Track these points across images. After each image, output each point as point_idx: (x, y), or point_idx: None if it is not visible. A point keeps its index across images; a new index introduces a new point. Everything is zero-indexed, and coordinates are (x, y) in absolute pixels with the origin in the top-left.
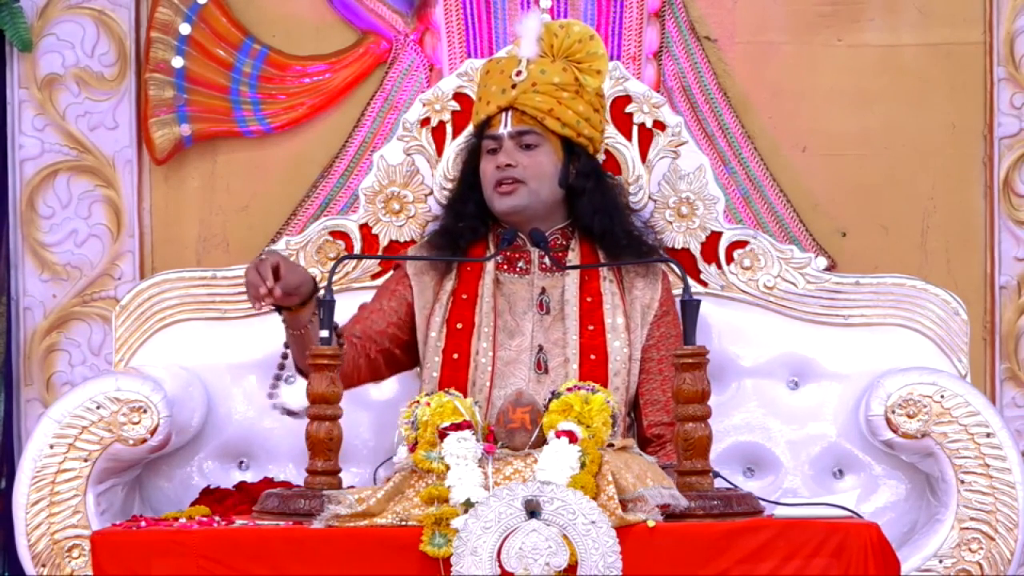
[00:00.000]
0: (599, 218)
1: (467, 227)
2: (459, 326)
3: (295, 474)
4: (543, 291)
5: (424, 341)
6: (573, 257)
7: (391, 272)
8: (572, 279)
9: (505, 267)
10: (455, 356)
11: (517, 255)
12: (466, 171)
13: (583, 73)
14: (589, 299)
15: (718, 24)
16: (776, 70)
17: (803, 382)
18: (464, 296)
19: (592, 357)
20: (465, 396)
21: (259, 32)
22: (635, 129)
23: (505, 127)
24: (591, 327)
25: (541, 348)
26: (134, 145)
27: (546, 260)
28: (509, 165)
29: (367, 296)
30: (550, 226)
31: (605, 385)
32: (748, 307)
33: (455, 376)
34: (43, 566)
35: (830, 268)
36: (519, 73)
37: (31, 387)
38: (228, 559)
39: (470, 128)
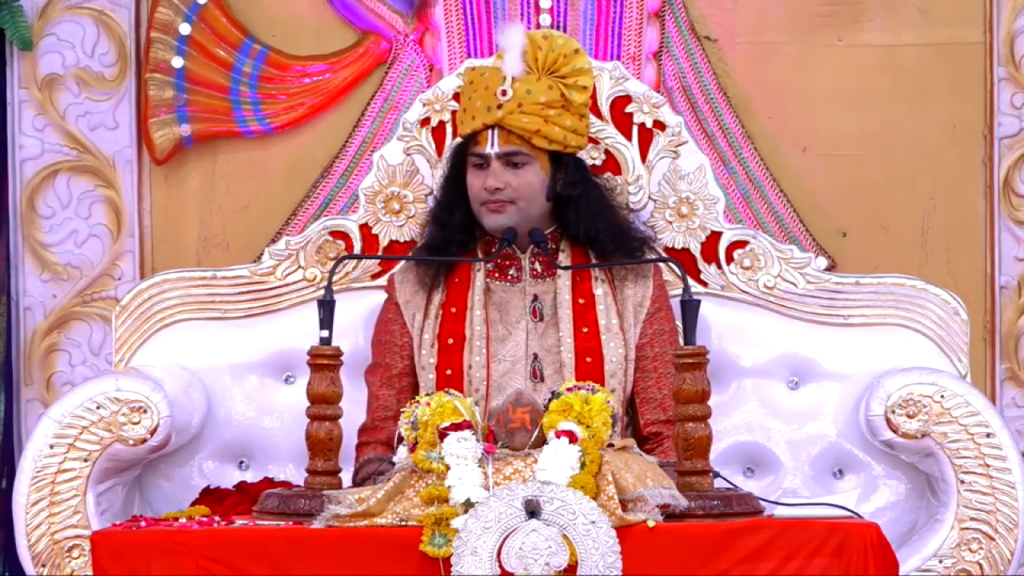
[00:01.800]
0: (586, 225)
1: (454, 240)
2: (450, 341)
3: (295, 474)
4: (535, 298)
5: (417, 358)
6: (564, 259)
7: (382, 301)
8: (564, 282)
9: (496, 275)
10: (448, 372)
11: (508, 263)
12: (451, 178)
13: (569, 89)
14: (582, 301)
15: (718, 24)
16: (776, 70)
17: (803, 382)
18: (453, 310)
19: (588, 360)
20: None
21: (259, 32)
22: (635, 129)
23: (492, 147)
24: (585, 329)
25: (536, 356)
26: (134, 145)
27: (536, 266)
28: (498, 189)
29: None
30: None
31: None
32: (748, 307)
33: None
34: (43, 566)
35: (830, 268)
36: (504, 93)
37: (31, 387)
38: (228, 559)
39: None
